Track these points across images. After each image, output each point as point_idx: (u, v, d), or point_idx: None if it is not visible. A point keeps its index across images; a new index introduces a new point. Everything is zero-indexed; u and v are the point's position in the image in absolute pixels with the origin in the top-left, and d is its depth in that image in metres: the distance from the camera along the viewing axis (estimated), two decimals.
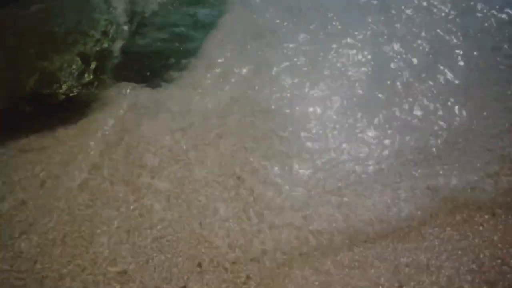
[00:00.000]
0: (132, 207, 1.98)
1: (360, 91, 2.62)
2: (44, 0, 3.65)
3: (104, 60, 2.85)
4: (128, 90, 2.62)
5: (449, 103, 2.51)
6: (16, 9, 3.47)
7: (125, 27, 3.40)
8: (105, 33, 3.15)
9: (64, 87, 2.47)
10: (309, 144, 2.30)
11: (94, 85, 2.63)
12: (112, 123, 2.39)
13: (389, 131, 2.37)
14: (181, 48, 2.94)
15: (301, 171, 2.16)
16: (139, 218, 1.94)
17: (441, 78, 2.68)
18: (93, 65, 2.75)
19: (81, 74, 2.63)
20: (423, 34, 3.01)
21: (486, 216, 1.93)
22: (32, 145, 2.20)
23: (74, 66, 2.66)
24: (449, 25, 3.05)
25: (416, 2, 3.25)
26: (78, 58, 2.73)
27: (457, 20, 3.10)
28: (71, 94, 2.48)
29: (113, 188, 2.05)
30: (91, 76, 2.67)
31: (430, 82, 2.66)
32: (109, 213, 1.95)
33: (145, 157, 2.20)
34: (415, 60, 2.80)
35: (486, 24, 3.03)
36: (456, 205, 2.00)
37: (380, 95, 2.59)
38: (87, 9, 3.49)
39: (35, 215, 1.93)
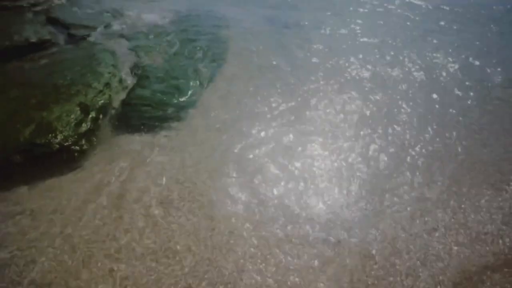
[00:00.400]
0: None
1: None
2: (53, 55, 3.93)
3: (103, 110, 2.91)
4: (124, 140, 2.62)
5: None
6: (23, 62, 3.68)
7: (128, 79, 3.57)
8: (107, 85, 3.28)
9: (60, 136, 2.46)
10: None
11: (91, 135, 2.63)
12: (107, 173, 2.33)
13: None
14: (180, 99, 3.05)
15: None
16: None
17: None
18: (92, 115, 2.79)
19: (78, 124, 2.65)
20: None
21: None
22: (24, 206, 2.09)
23: (72, 116, 2.69)
24: None
25: None
26: (78, 108, 2.79)
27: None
28: (66, 144, 2.46)
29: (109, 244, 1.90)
30: (89, 126, 2.68)
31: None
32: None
33: (135, 214, 2.09)
34: None
35: None
36: None
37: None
38: (93, 63, 3.71)
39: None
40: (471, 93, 3.41)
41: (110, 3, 6.15)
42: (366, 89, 3.46)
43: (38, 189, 2.18)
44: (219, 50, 4.10)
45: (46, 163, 2.33)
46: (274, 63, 3.81)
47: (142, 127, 2.73)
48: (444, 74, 3.77)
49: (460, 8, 5.67)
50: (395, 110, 3.13)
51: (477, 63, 4.01)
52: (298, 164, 2.46)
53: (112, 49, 4.13)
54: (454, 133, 2.82)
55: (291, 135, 2.72)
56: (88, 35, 4.65)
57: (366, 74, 3.72)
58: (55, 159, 2.34)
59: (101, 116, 2.84)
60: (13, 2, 5.69)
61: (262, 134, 2.69)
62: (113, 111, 2.97)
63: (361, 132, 2.82)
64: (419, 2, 5.88)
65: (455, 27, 5.02)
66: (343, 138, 2.74)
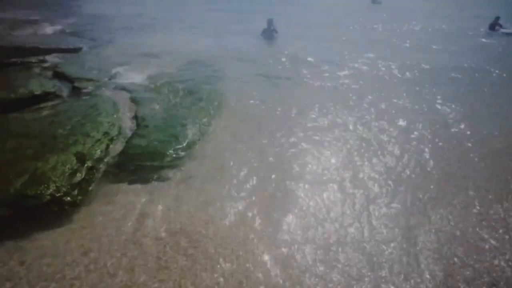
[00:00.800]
0: None
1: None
2: (55, 106, 4.07)
3: (100, 159, 2.91)
4: (119, 190, 2.58)
5: None
6: (25, 113, 3.77)
7: (127, 129, 3.67)
8: (106, 134, 3.35)
9: (52, 187, 2.40)
10: None
11: (85, 185, 2.58)
12: (98, 227, 2.23)
13: None
14: (177, 148, 3.10)
15: None
16: None
17: None
18: (88, 164, 2.78)
19: (73, 174, 2.62)
20: None
21: None
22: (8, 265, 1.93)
23: (68, 166, 2.67)
24: None
25: None
26: (74, 158, 2.78)
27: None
28: (58, 195, 2.39)
29: None
30: (83, 175, 2.65)
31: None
32: None
33: (123, 269, 1.94)
34: None
35: None
36: None
37: None
38: (94, 113, 3.84)
39: None
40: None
41: (114, 58, 6.66)
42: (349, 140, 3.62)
43: (25, 244, 2.04)
44: (216, 102, 4.34)
45: (35, 215, 2.22)
46: (267, 114, 4.01)
47: (138, 177, 2.71)
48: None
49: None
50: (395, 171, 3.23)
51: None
52: (286, 214, 2.42)
53: (114, 100, 4.32)
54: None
55: (282, 186, 2.72)
56: (92, 88, 4.91)
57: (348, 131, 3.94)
58: (45, 212, 2.24)
59: (97, 166, 2.84)
60: (23, 58, 6.10)
61: (257, 186, 2.67)
62: (110, 161, 2.97)
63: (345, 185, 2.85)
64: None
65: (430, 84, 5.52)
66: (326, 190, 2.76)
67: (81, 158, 2.81)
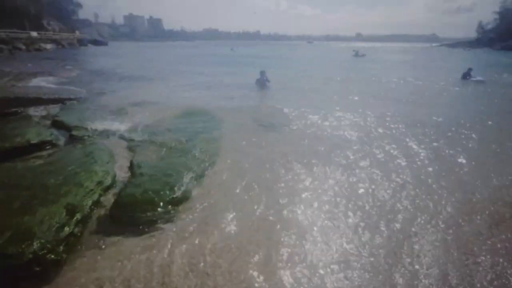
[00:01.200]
0: None
1: None
2: (50, 155, 4.03)
3: (92, 211, 2.79)
4: (110, 244, 2.41)
5: None
6: (17, 163, 3.71)
7: (121, 177, 3.61)
8: (100, 183, 3.27)
9: (36, 244, 2.23)
10: None
11: (73, 239, 2.42)
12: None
13: None
14: (171, 197, 3.02)
15: None
16: None
17: None
18: (77, 217, 2.64)
19: (61, 228, 2.46)
20: None
21: None
22: None
23: (56, 219, 2.53)
24: None
25: None
26: (63, 210, 2.66)
27: None
28: (41, 252, 2.21)
29: None
30: (72, 229, 2.50)
31: None
32: None
33: None
34: None
35: None
36: None
37: None
38: (89, 161, 3.80)
39: None
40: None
41: (112, 107, 6.89)
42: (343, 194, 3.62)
43: None
44: (212, 149, 4.38)
45: (15, 277, 2.02)
46: (262, 163, 4.02)
47: (130, 230, 2.57)
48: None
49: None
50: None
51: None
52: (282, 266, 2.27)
53: (110, 148, 4.34)
54: None
55: (280, 238, 2.61)
56: (89, 136, 4.96)
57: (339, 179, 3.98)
58: (26, 272, 2.05)
59: (88, 218, 2.70)
60: (24, 108, 6.26)
61: (250, 248, 2.53)
62: (101, 212, 2.85)
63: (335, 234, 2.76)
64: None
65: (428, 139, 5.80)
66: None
67: (71, 210, 2.68)
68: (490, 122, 6.09)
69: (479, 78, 12.19)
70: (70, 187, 3.04)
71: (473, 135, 5.27)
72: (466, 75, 12.41)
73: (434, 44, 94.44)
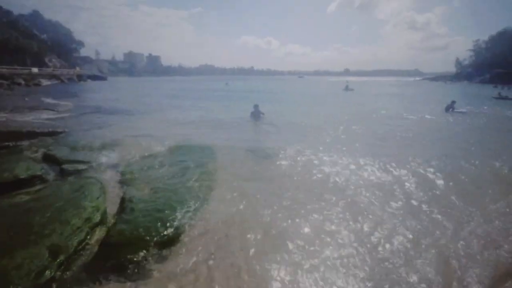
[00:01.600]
0: None
1: None
2: (39, 191, 3.87)
3: (77, 252, 2.60)
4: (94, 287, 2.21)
5: None
6: (2, 199, 3.52)
7: (111, 213, 3.44)
8: (88, 220, 3.10)
9: None
10: None
11: (55, 285, 2.21)
12: None
13: None
14: (163, 235, 2.85)
15: None
16: None
17: None
18: (60, 259, 2.46)
19: (41, 272, 2.27)
20: None
21: None
22: None
23: (36, 262, 2.34)
24: None
25: None
26: (46, 252, 2.47)
27: None
28: None
29: None
30: (53, 273, 2.30)
31: None
32: None
33: None
34: None
35: None
36: None
37: None
38: (79, 197, 3.64)
39: None
40: None
41: (106, 140, 6.83)
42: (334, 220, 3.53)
43: None
44: (206, 183, 4.29)
45: None
46: (259, 196, 3.91)
47: (117, 274, 2.37)
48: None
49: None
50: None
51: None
52: None
53: (101, 182, 4.20)
54: None
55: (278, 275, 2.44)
56: (81, 169, 4.83)
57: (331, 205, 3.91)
58: None
59: (73, 259, 2.51)
60: (15, 141, 6.17)
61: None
62: (87, 252, 2.65)
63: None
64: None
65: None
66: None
67: (54, 251, 2.51)
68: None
69: (462, 109, 12.96)
70: (55, 225, 2.87)
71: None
72: (449, 107, 13.16)
73: (417, 78, 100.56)
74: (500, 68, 52.42)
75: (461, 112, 12.73)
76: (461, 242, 2.92)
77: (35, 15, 65.02)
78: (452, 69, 78.91)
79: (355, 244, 2.87)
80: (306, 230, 3.14)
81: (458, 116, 11.92)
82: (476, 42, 70.51)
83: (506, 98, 19.91)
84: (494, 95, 21.37)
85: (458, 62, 75.39)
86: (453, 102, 13.28)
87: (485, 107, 15.17)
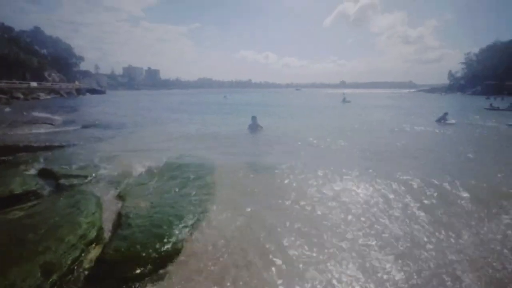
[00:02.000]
0: None
1: None
2: (33, 207, 3.79)
3: (71, 270, 2.53)
4: None
5: None
6: None
7: (107, 229, 3.37)
8: (83, 237, 3.03)
9: None
10: None
11: None
12: None
13: None
14: (160, 251, 2.79)
15: None
16: None
17: None
18: (54, 278, 2.39)
19: None
20: None
21: None
22: None
23: (29, 281, 2.27)
24: None
25: None
26: (38, 270, 2.40)
27: None
28: None
29: None
30: None
31: None
32: None
33: None
34: None
35: None
36: None
37: None
38: (75, 212, 3.57)
39: None
40: None
41: (103, 154, 6.78)
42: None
43: None
44: (205, 197, 4.24)
45: None
46: (259, 212, 3.84)
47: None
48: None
49: None
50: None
51: None
52: None
53: (98, 198, 4.14)
54: None
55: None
56: (77, 184, 4.77)
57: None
58: None
59: (66, 278, 2.43)
60: (11, 156, 6.12)
61: None
62: (82, 270, 2.58)
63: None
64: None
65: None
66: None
67: (47, 270, 2.44)
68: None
69: (452, 121, 13.49)
70: (49, 242, 2.80)
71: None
72: (441, 119, 13.64)
73: (412, 90, 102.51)
74: (490, 80, 53.81)
75: (451, 123, 13.23)
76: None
77: (36, 31, 66.21)
78: (445, 81, 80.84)
79: (360, 261, 2.83)
80: (307, 247, 3.08)
81: (448, 127, 12.39)
82: (468, 55, 72.68)
83: (497, 109, 20.99)
84: (486, 106, 22.09)
85: (451, 74, 77.29)
86: (446, 113, 13.75)
87: (477, 117, 16.08)
